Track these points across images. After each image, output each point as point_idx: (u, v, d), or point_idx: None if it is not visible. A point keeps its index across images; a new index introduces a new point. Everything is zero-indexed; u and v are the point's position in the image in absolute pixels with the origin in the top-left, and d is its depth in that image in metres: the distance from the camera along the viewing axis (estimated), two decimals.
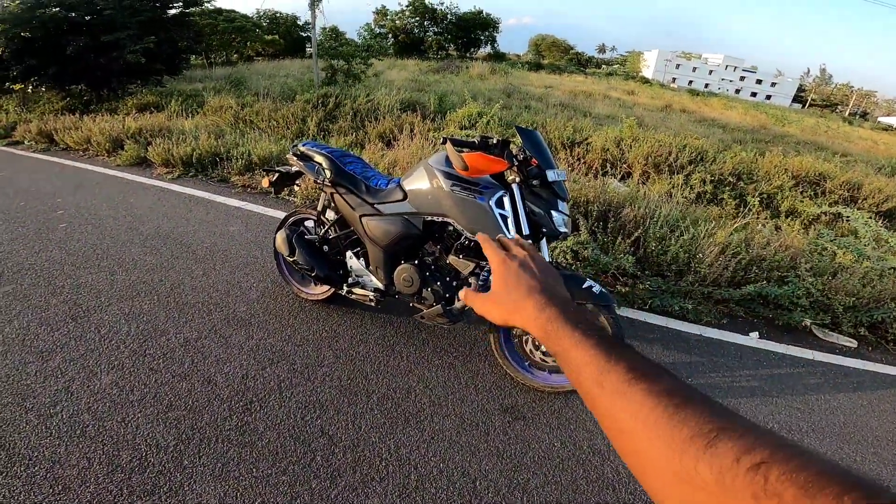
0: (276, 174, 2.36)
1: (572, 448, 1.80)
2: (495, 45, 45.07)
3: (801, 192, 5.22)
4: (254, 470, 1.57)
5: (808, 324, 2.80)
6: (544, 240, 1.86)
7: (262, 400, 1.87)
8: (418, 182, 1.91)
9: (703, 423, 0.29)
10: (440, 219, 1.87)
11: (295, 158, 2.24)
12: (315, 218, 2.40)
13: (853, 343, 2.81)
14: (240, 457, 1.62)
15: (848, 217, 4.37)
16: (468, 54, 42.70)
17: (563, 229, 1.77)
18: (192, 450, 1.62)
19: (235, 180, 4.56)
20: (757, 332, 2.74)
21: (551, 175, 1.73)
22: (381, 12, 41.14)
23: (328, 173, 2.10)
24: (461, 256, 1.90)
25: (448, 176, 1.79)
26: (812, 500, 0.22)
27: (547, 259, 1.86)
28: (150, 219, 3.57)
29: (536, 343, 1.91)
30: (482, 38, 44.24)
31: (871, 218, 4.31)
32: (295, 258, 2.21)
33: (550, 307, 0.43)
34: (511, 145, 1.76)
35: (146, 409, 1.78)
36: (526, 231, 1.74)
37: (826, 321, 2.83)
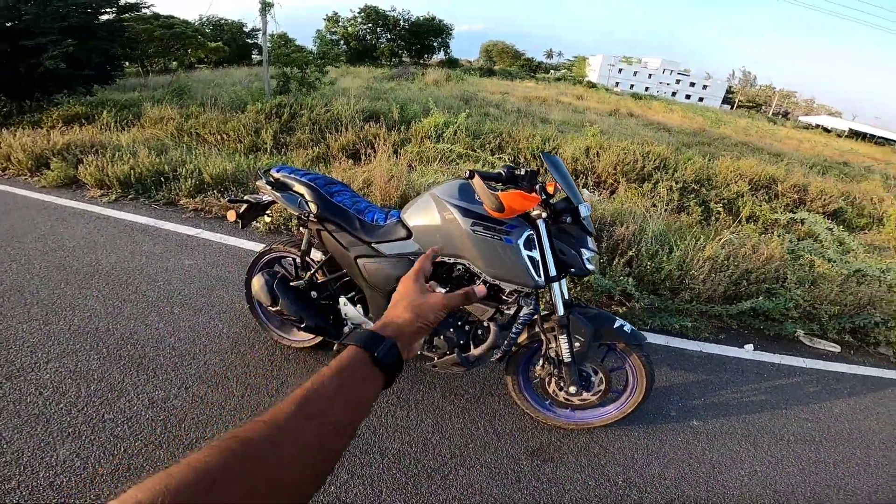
0: (245, 205, 2.05)
1: (608, 485, 1.71)
2: (448, 51, 45.40)
3: (758, 197, 5.49)
4: None
5: (801, 334, 2.86)
6: (564, 279, 1.72)
7: None
8: (424, 217, 1.68)
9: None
10: (452, 259, 1.68)
11: (269, 188, 1.96)
12: (296, 257, 2.11)
13: (836, 348, 2.89)
14: None
15: (804, 220, 4.62)
16: (421, 61, 42.72)
17: (591, 267, 1.62)
18: None
19: (185, 203, 4.06)
20: (751, 345, 2.75)
21: (583, 210, 1.58)
22: (333, 19, 40.29)
23: (313, 207, 1.83)
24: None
25: (467, 213, 1.58)
26: None
27: (565, 297, 1.72)
28: (85, 253, 3.09)
29: (561, 384, 1.76)
30: (435, 44, 44.40)
31: (824, 219, 4.58)
32: (279, 308, 1.93)
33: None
34: (538, 176, 1.59)
35: (120, 484, 1.48)
36: (553, 273, 1.59)
37: (815, 330, 2.90)
